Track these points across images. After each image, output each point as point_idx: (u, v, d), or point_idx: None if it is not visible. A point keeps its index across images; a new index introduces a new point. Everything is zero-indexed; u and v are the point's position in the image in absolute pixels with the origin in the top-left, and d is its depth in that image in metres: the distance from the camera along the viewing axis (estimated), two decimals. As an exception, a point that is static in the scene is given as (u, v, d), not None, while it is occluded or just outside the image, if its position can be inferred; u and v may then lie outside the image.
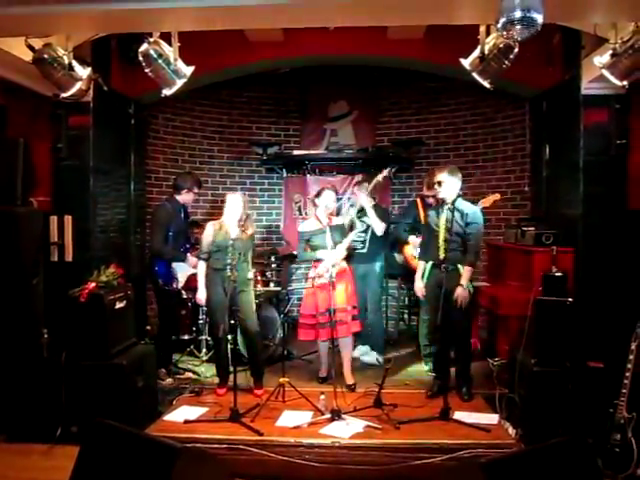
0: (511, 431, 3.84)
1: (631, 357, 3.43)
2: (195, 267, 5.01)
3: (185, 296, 5.48)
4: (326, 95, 7.20)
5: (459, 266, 4.23)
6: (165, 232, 4.98)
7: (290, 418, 3.96)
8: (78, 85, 3.91)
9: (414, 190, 7.03)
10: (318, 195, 4.76)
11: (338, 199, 6.46)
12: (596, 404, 3.61)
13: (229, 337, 4.75)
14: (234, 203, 4.50)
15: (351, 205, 5.91)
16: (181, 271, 5.09)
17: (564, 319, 3.97)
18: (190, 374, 5.10)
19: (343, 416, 3.88)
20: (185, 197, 5.12)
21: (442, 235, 4.23)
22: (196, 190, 5.20)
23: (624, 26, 3.47)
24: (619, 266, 4.36)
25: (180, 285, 5.13)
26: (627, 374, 3.42)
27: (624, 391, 3.41)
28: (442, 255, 4.22)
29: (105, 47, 4.79)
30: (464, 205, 4.29)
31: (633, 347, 3.44)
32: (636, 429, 3.37)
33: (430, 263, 4.39)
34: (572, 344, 3.95)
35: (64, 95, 3.96)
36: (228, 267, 4.31)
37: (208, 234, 4.52)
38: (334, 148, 6.97)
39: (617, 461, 3.35)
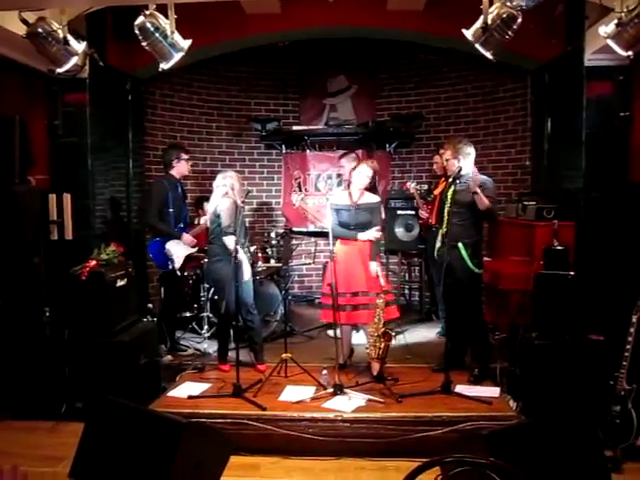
0: (512, 404, 3.88)
1: (632, 330, 3.45)
2: (192, 245, 5.01)
3: (186, 273, 5.48)
4: (325, 70, 7.11)
5: (459, 244, 4.18)
6: (161, 208, 4.96)
7: (293, 393, 3.99)
8: (74, 60, 3.84)
9: (414, 165, 7.00)
10: (355, 169, 4.43)
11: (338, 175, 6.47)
12: (596, 376, 3.64)
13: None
14: (236, 180, 4.50)
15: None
16: (177, 252, 5.01)
17: (565, 293, 3.98)
18: (193, 351, 5.14)
19: (345, 390, 3.91)
20: (179, 168, 5.09)
21: (447, 207, 4.20)
22: (185, 156, 5.12)
23: (630, -6, 3.40)
24: (620, 239, 4.34)
25: (177, 266, 5.02)
26: (627, 346, 3.45)
27: (624, 363, 3.44)
28: (445, 228, 4.20)
29: (100, 21, 4.70)
30: (474, 177, 4.16)
31: (634, 320, 3.46)
32: (636, 401, 3.41)
33: (440, 239, 4.34)
34: (573, 317, 3.97)
35: (59, 71, 3.89)
36: (239, 244, 4.29)
37: (232, 208, 4.36)
38: (334, 123, 6.91)
39: (617, 432, 3.39)
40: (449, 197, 4.20)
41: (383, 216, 5.52)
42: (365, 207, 4.37)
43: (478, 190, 4.03)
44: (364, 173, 4.35)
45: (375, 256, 4.32)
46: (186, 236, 5.02)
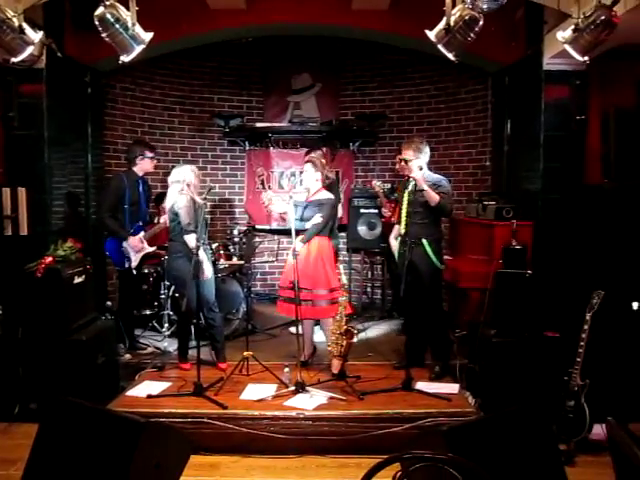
0: (471, 400, 3.95)
1: (585, 327, 3.56)
2: (137, 250, 4.88)
3: (146, 270, 5.37)
4: (289, 67, 7.08)
5: (424, 240, 4.20)
6: (116, 204, 4.83)
7: (254, 391, 3.97)
8: (30, 50, 3.70)
9: (378, 164, 7.05)
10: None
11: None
12: (552, 372, 3.75)
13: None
14: (192, 175, 4.45)
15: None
16: (134, 250, 4.89)
17: (523, 291, 4.08)
18: (152, 349, 5.05)
19: (307, 388, 3.91)
20: (143, 166, 4.97)
21: (405, 208, 4.25)
22: (149, 154, 5.00)
23: (587, 1, 3.50)
24: (576, 239, 4.49)
25: (134, 265, 4.91)
26: (581, 343, 3.55)
27: (578, 359, 3.55)
28: (404, 229, 4.24)
29: (58, 10, 4.58)
30: (430, 177, 4.26)
31: (587, 317, 3.56)
32: (589, 396, 3.51)
33: (399, 240, 4.38)
34: (530, 315, 4.07)
35: (14, 60, 3.74)
36: (201, 241, 4.24)
37: (190, 205, 4.31)
38: (297, 121, 6.90)
39: (571, 426, 3.50)
40: (405, 197, 4.25)
41: (341, 214, 5.54)
42: (315, 203, 4.50)
43: (425, 187, 4.08)
44: (306, 170, 4.59)
45: (307, 240, 4.41)
46: (132, 239, 4.84)
